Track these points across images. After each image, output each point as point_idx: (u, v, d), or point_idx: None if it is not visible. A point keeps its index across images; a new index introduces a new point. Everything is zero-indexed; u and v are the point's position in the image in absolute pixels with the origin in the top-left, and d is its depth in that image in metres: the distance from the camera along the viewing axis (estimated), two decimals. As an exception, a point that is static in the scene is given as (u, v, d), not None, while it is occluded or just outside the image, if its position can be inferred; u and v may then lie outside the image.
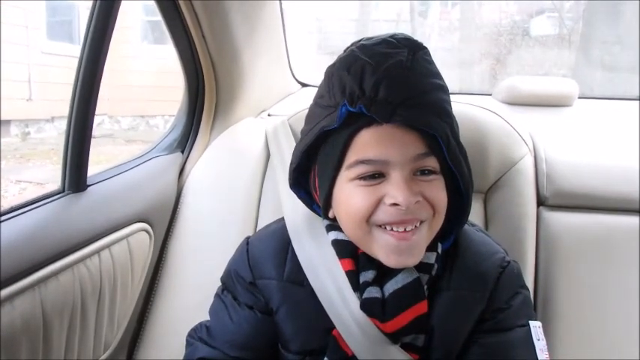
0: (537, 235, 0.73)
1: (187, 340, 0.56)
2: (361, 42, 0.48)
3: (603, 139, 0.87)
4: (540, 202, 0.75)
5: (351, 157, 0.46)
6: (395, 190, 0.45)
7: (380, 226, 0.47)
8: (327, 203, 0.50)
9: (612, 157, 0.80)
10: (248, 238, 0.57)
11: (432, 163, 0.47)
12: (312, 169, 0.52)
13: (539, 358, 0.49)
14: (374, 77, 0.45)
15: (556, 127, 0.96)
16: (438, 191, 0.47)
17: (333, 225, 0.52)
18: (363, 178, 0.46)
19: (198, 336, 0.55)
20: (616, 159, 0.79)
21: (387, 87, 0.44)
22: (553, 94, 1.05)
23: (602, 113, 1.05)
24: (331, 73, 0.48)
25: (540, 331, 0.51)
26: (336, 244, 0.51)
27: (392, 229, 0.46)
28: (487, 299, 0.50)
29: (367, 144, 0.46)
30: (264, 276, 0.53)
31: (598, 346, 0.70)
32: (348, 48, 0.49)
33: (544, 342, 0.50)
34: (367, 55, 0.46)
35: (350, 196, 0.47)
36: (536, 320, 0.51)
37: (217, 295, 0.57)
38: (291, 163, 0.52)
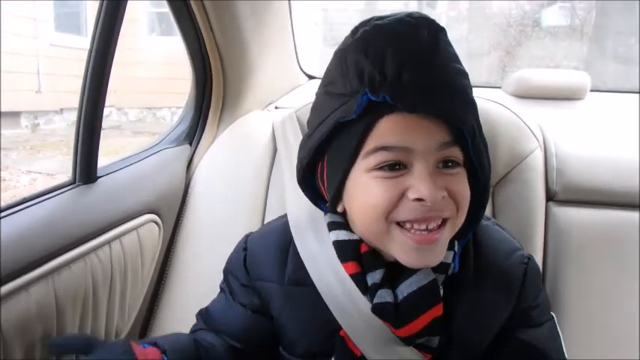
0: (546, 230, 0.72)
1: (196, 316, 0.57)
2: (373, 21, 0.43)
3: (615, 134, 0.85)
4: (549, 196, 0.74)
5: (370, 144, 0.42)
6: (419, 183, 0.40)
7: (399, 224, 0.42)
8: (337, 196, 0.46)
9: (623, 152, 0.78)
10: (248, 235, 0.54)
11: (457, 153, 0.42)
12: (320, 161, 0.47)
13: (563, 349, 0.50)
14: (395, 61, 0.40)
15: (567, 120, 0.94)
16: (462, 186, 0.43)
17: (335, 222, 0.48)
18: (382, 168, 0.41)
19: (202, 314, 0.56)
20: (627, 154, 0.77)
21: (410, 72, 0.40)
22: (564, 86, 1.02)
23: (615, 107, 1.03)
24: (344, 57, 0.43)
25: (556, 321, 0.51)
26: (337, 245, 0.47)
27: (412, 228, 0.42)
28: (516, 298, 0.48)
29: (389, 130, 0.41)
30: (263, 278, 0.51)
31: (607, 341, 0.70)
32: (356, 28, 0.44)
33: (560, 332, 0.51)
34: (385, 36, 0.41)
35: (367, 188, 0.42)
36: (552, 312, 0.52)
37: (220, 284, 0.57)
38: (301, 159, 0.48)
